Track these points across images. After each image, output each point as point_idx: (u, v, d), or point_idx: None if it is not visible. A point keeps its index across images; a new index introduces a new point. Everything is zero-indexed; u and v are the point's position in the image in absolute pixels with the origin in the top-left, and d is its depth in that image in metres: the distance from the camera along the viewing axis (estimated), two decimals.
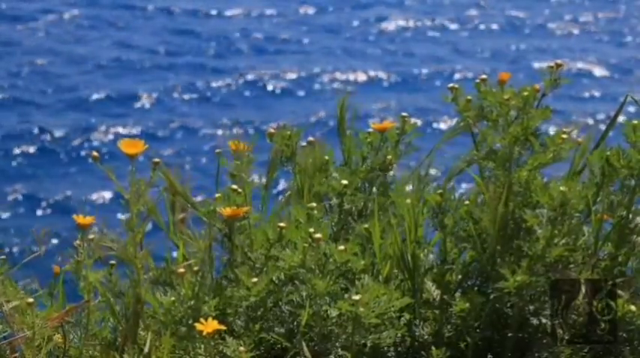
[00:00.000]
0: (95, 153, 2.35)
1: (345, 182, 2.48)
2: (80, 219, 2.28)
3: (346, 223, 2.49)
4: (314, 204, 2.30)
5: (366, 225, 2.40)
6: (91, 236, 2.29)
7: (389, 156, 2.56)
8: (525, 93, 2.38)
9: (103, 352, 2.26)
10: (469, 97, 2.45)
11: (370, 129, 2.59)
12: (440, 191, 2.41)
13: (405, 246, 2.35)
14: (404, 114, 2.58)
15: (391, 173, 2.59)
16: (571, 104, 14.54)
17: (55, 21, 17.68)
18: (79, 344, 2.29)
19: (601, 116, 13.97)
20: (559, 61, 2.46)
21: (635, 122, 2.37)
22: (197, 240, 2.25)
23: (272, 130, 2.58)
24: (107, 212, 10.75)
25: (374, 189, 2.56)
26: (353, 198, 2.50)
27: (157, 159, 2.27)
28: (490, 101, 2.38)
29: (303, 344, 2.18)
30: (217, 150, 2.54)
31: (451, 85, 2.49)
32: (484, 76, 2.43)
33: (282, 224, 2.28)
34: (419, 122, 2.66)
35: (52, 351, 2.21)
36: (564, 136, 2.38)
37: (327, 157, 2.55)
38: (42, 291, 2.39)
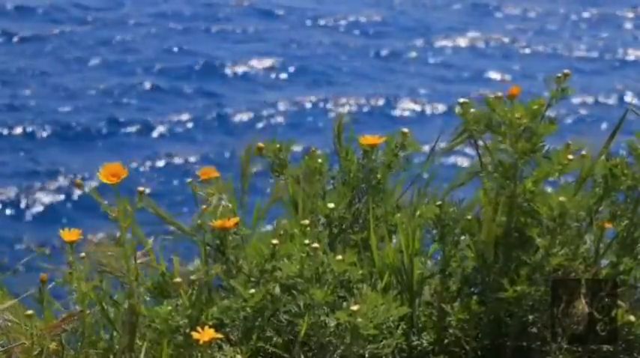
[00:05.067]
0: (79, 181, 2.38)
1: (331, 205, 2.46)
2: (66, 234, 2.28)
3: (340, 233, 2.48)
4: (307, 221, 2.29)
5: (362, 235, 2.39)
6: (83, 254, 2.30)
7: (378, 175, 2.52)
8: (535, 107, 2.36)
9: None
10: (479, 110, 2.43)
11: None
12: (439, 203, 2.39)
13: (402, 256, 2.34)
14: (404, 129, 2.55)
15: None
16: (573, 115, 14.59)
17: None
18: (75, 353, 2.29)
19: (603, 127, 13.96)
20: (566, 71, 2.44)
21: None
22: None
23: (260, 144, 2.54)
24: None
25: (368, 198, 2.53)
26: (342, 219, 2.48)
27: (141, 189, 2.26)
28: (500, 116, 2.36)
29: (301, 354, 2.17)
30: (188, 180, 2.44)
31: (462, 99, 2.47)
32: (499, 93, 2.41)
33: (275, 241, 2.26)
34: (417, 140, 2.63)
35: None
36: (570, 156, 2.36)
37: (320, 162, 2.52)
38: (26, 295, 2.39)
